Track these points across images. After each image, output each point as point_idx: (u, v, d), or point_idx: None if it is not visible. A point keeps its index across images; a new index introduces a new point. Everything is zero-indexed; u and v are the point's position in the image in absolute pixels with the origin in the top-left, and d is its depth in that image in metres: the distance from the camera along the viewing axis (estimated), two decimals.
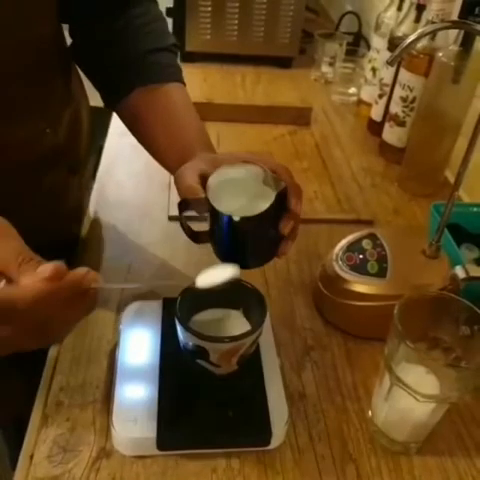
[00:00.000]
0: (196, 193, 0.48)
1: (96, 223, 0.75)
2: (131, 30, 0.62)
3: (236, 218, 0.45)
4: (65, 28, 0.63)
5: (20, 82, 0.55)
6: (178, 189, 0.51)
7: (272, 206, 0.46)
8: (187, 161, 0.53)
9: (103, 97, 0.64)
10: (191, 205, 0.49)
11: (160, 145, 0.60)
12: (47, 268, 0.39)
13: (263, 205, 0.46)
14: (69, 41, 0.64)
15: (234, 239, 0.49)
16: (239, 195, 0.47)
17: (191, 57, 1.24)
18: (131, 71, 0.61)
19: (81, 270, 0.42)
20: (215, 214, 0.47)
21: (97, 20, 0.61)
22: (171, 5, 1.21)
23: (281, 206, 0.48)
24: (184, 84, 0.63)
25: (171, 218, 0.77)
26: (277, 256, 0.51)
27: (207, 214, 0.48)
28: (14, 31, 0.51)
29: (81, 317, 0.44)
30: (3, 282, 0.40)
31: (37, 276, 0.39)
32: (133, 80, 0.60)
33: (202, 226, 0.50)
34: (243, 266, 0.51)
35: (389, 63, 0.51)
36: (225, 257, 0.51)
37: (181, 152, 0.56)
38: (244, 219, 0.45)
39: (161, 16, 0.66)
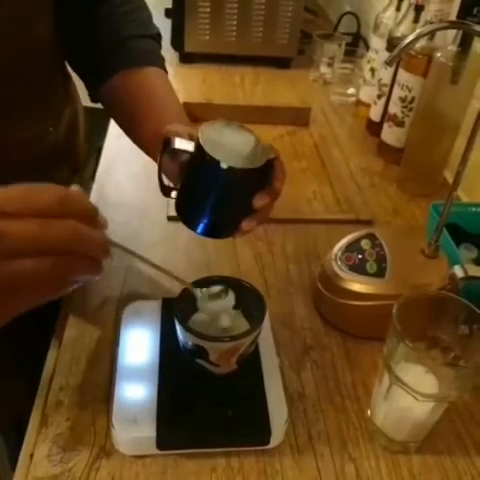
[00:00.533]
0: (182, 135, 0.47)
1: None
2: (114, 17, 0.62)
3: (224, 165, 0.44)
4: None
5: (20, 82, 0.55)
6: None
7: (260, 169, 0.45)
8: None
9: (87, 86, 0.65)
10: (174, 148, 0.47)
11: (137, 126, 0.60)
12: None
13: (253, 165, 0.45)
14: None
15: (211, 191, 0.47)
16: (227, 154, 0.46)
17: (190, 58, 1.24)
18: (113, 56, 0.61)
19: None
20: (201, 158, 0.45)
21: (81, 9, 0.61)
22: (170, 6, 1.21)
23: (265, 178, 0.48)
24: (166, 71, 0.64)
25: (170, 218, 0.77)
26: (235, 233, 0.50)
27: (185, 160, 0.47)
28: (13, 31, 0.51)
29: (94, 264, 0.39)
30: None
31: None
32: (114, 64, 0.61)
33: None
34: (213, 232, 0.50)
35: (387, 63, 0.52)
36: (195, 217, 0.49)
37: (157, 128, 0.55)
38: (231, 169, 0.44)
39: (145, 6, 0.67)
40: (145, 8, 0.66)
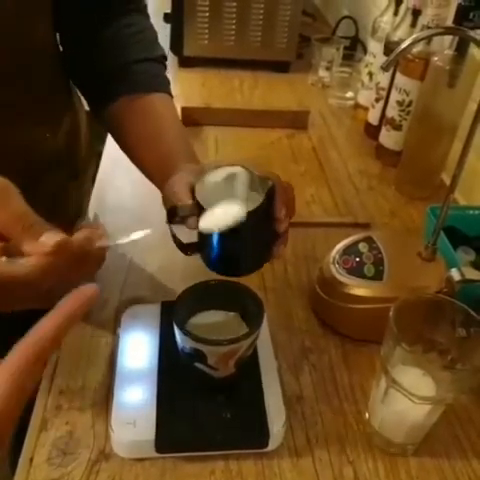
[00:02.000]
0: (184, 200, 0.48)
1: None
2: (120, 39, 0.62)
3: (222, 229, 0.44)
4: None
5: (19, 85, 0.55)
6: (168, 202, 0.51)
7: (259, 207, 0.45)
8: (169, 171, 0.53)
9: (90, 105, 0.65)
10: (180, 212, 0.48)
11: (141, 153, 0.60)
12: (50, 240, 0.37)
13: (252, 206, 0.45)
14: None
15: (223, 244, 0.48)
16: (227, 195, 0.47)
17: (189, 62, 1.25)
18: (117, 79, 0.61)
19: (84, 232, 0.40)
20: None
21: (87, 29, 0.61)
22: (169, 11, 1.22)
23: (271, 207, 0.48)
24: (171, 96, 0.64)
25: (169, 222, 0.77)
26: (270, 260, 0.51)
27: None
28: (13, 36, 0.52)
29: (88, 276, 0.42)
30: (4, 257, 0.38)
31: (40, 248, 0.37)
32: (119, 88, 0.60)
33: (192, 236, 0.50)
34: (236, 274, 0.52)
35: (383, 68, 0.52)
36: (216, 266, 0.50)
37: (162, 161, 0.56)
38: (231, 230, 0.44)
39: (151, 27, 0.66)
40: (151, 29, 0.66)
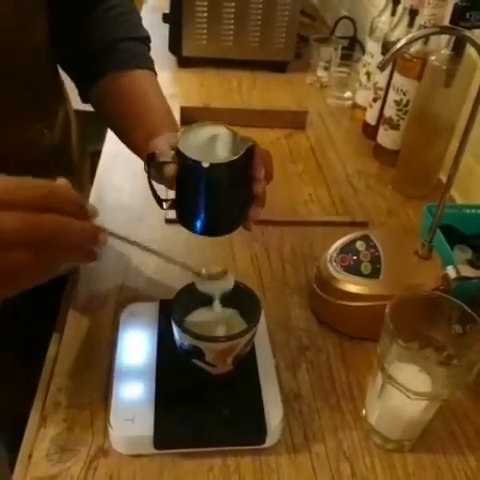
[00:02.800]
0: (165, 151, 0.48)
1: None
2: (105, 20, 0.64)
3: (205, 164, 0.45)
4: None
5: (17, 83, 0.56)
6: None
7: (241, 158, 0.46)
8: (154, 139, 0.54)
9: (78, 86, 0.66)
10: (158, 161, 0.49)
11: (127, 128, 0.61)
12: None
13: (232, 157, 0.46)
14: None
15: (203, 192, 0.48)
16: (209, 154, 0.48)
17: (188, 62, 1.25)
18: (103, 58, 0.62)
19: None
20: (184, 164, 0.47)
21: (74, 11, 0.62)
22: (167, 11, 1.22)
23: (250, 165, 0.49)
24: (155, 73, 0.65)
25: (168, 221, 0.78)
26: (245, 223, 0.52)
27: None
28: (10, 31, 0.52)
29: (77, 253, 0.41)
30: None
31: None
32: (105, 66, 0.62)
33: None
34: (210, 230, 0.51)
35: (380, 68, 0.52)
36: (192, 220, 0.50)
37: (147, 133, 0.57)
38: (213, 165, 0.45)
39: (135, 10, 0.68)
40: (135, 12, 0.68)
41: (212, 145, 0.48)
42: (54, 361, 0.57)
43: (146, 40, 0.66)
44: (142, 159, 0.59)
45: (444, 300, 0.51)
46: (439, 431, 0.54)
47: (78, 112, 0.76)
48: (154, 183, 0.53)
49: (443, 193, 0.60)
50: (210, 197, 0.49)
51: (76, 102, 0.71)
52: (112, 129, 0.64)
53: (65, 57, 0.66)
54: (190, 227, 0.51)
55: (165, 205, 0.52)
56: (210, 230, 0.51)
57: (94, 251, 0.41)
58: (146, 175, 0.53)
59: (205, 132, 0.49)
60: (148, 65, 0.65)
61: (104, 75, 0.62)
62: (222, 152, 0.48)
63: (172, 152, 0.48)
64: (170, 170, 0.48)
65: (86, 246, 0.41)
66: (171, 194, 0.52)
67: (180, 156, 0.47)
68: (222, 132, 0.49)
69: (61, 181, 0.41)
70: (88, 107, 0.69)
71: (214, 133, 0.48)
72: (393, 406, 0.50)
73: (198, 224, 0.50)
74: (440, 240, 0.65)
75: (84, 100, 0.66)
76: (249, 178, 0.49)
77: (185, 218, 0.51)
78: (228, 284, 0.52)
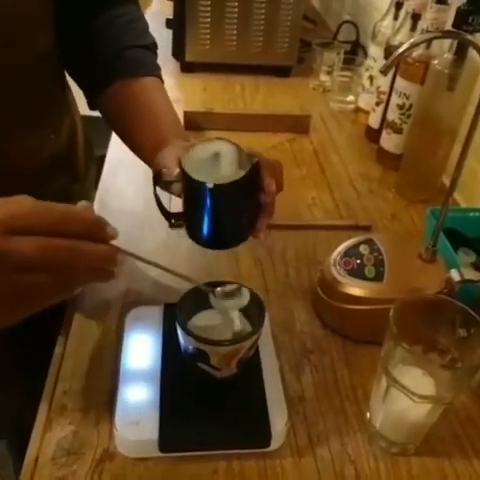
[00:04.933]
0: (171, 170, 0.49)
1: None
2: (112, 28, 0.64)
3: (210, 185, 0.45)
4: None
5: (22, 91, 0.56)
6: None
7: (246, 176, 0.46)
8: (162, 150, 0.54)
9: (85, 93, 0.66)
10: (165, 180, 0.49)
11: (135, 136, 0.61)
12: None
13: (238, 176, 0.46)
14: None
15: (209, 210, 0.48)
16: (213, 171, 0.48)
17: (191, 67, 1.26)
18: (110, 66, 0.63)
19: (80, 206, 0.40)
20: (189, 184, 0.47)
21: (82, 18, 0.63)
22: (171, 16, 1.23)
23: (256, 180, 0.49)
24: (162, 81, 0.66)
25: (172, 226, 0.78)
26: (253, 234, 0.52)
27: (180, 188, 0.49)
28: (16, 40, 0.53)
29: (95, 275, 0.42)
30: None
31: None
32: (112, 74, 0.62)
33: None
34: (220, 244, 0.52)
35: (382, 72, 0.53)
36: (201, 235, 0.51)
37: (156, 141, 0.57)
38: (218, 186, 0.46)
39: (142, 17, 0.68)
40: (142, 18, 0.68)
41: (217, 162, 0.48)
42: (60, 364, 0.58)
43: (153, 47, 0.67)
44: (150, 167, 0.59)
45: (448, 303, 0.51)
46: (443, 434, 0.54)
47: (84, 117, 0.76)
48: (159, 192, 0.53)
49: (446, 197, 0.60)
50: (217, 214, 0.49)
51: (83, 109, 0.71)
52: (120, 136, 0.64)
53: (72, 64, 0.66)
54: (199, 241, 0.52)
55: (173, 221, 0.53)
56: (219, 244, 0.52)
57: (111, 271, 0.42)
58: (148, 175, 0.53)
59: (209, 149, 0.49)
60: (155, 72, 0.65)
61: (112, 83, 0.62)
62: (227, 169, 0.48)
63: (177, 170, 0.48)
64: (176, 189, 0.49)
65: (103, 268, 0.42)
66: (175, 202, 0.52)
67: (185, 176, 0.47)
68: (226, 148, 0.49)
69: (82, 205, 0.42)
70: (94, 112, 0.69)
71: (218, 149, 0.49)
72: (397, 409, 0.50)
73: (206, 239, 0.51)
74: (444, 243, 0.65)
75: (92, 107, 0.67)
76: (256, 192, 0.49)
77: (193, 233, 0.52)
78: (244, 300, 0.52)
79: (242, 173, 0.47)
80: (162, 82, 0.66)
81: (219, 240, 0.51)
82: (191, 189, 0.48)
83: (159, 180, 0.50)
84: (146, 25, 0.68)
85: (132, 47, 0.63)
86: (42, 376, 0.57)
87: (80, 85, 0.66)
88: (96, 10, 0.63)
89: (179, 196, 0.50)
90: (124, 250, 0.43)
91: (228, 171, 0.48)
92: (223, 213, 0.50)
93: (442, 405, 0.50)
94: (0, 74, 0.52)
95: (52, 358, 0.58)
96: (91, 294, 0.66)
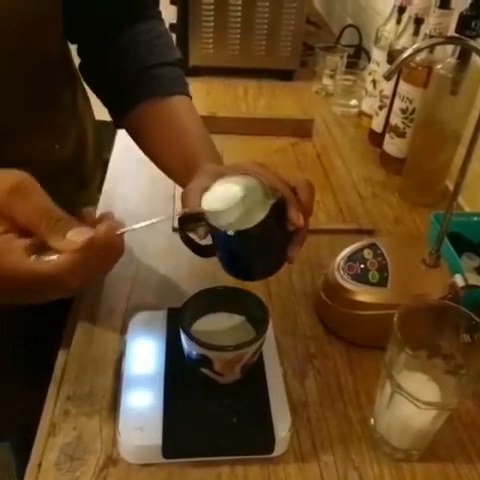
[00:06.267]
0: (196, 204, 0.48)
1: None
2: (135, 46, 0.63)
3: (230, 232, 0.45)
4: (73, 48, 0.64)
5: (27, 98, 0.56)
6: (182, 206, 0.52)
7: (267, 217, 0.46)
8: (192, 172, 0.54)
9: (112, 114, 0.65)
10: (190, 221, 0.49)
11: (165, 157, 0.61)
12: (77, 237, 0.39)
13: (259, 216, 0.46)
14: (77, 61, 0.66)
15: (234, 252, 0.50)
16: (236, 210, 0.47)
17: (194, 71, 1.26)
18: (136, 86, 0.62)
19: (105, 225, 0.41)
20: (212, 229, 0.47)
21: (103, 38, 0.62)
22: (174, 21, 1.24)
23: (281, 215, 0.48)
24: (190, 97, 0.65)
25: (175, 230, 0.78)
26: (288, 261, 0.52)
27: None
28: (21, 48, 0.53)
29: (111, 265, 0.44)
30: (33, 256, 0.38)
31: (67, 246, 0.38)
32: (138, 94, 0.61)
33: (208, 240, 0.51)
34: (250, 278, 0.53)
35: (385, 77, 0.53)
36: (230, 270, 0.52)
37: (186, 163, 0.57)
38: (239, 233, 0.45)
39: (166, 32, 0.67)
40: (166, 34, 0.66)
41: (239, 201, 0.47)
42: (63, 369, 0.58)
43: (179, 62, 0.65)
44: (180, 185, 0.58)
45: (452, 309, 0.51)
46: (448, 440, 0.54)
47: (93, 121, 0.75)
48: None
49: (450, 201, 0.60)
50: (243, 256, 0.50)
51: (97, 113, 0.71)
52: (148, 156, 0.63)
53: (96, 83, 0.65)
54: (230, 274, 0.53)
55: (207, 255, 0.53)
56: (249, 277, 0.53)
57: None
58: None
59: (231, 187, 0.47)
60: (183, 90, 0.64)
61: (138, 103, 0.61)
62: (251, 207, 0.47)
63: (200, 210, 0.48)
64: (201, 233, 0.49)
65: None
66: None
67: (206, 221, 0.47)
68: (249, 184, 0.47)
69: (87, 211, 0.43)
70: (100, 117, 0.69)
71: (241, 186, 0.47)
72: (402, 415, 0.50)
73: (237, 273, 0.52)
74: (448, 248, 0.65)
75: (118, 126, 0.66)
76: (282, 227, 0.49)
77: (223, 267, 0.53)
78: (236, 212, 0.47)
79: (263, 215, 0.46)
80: (190, 98, 0.64)
81: (248, 275, 0.53)
82: (214, 234, 0.49)
83: (184, 224, 0.50)
84: (171, 40, 0.67)
85: (157, 66, 0.62)
86: (46, 381, 0.57)
87: (105, 104, 0.65)
88: (118, 27, 0.62)
89: (205, 238, 0.50)
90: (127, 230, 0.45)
91: (252, 209, 0.47)
92: (249, 254, 0.50)
93: (447, 411, 0.49)
94: (4, 80, 0.52)
95: (56, 363, 0.58)
96: (94, 298, 0.66)
